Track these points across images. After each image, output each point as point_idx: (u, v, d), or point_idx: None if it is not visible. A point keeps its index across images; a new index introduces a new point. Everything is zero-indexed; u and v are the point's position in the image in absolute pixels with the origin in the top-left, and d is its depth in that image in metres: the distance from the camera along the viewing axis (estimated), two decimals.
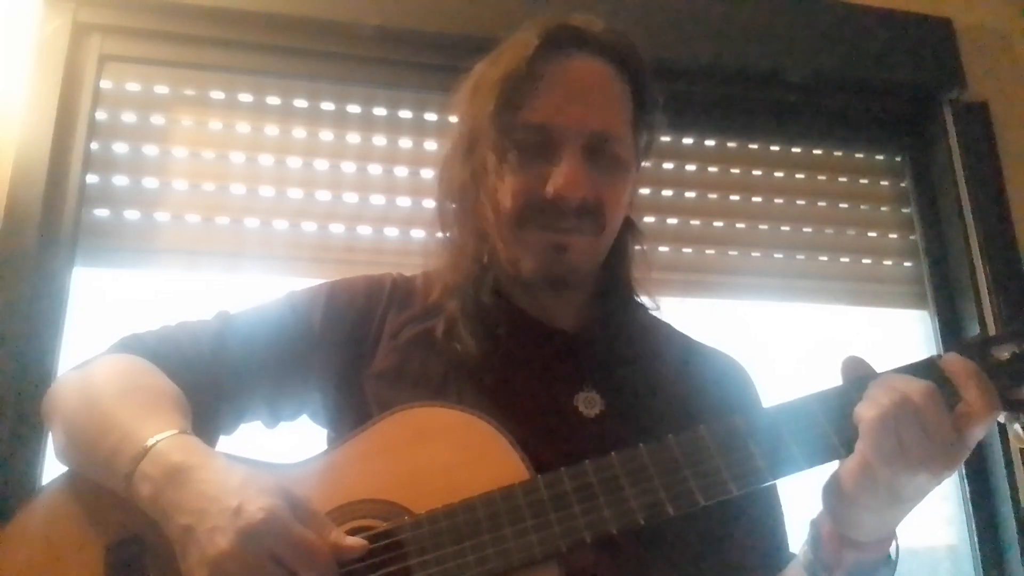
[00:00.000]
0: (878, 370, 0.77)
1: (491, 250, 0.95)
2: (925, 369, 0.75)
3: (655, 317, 1.04)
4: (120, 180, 1.57)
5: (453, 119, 1.03)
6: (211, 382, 0.93)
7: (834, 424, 0.74)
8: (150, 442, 0.77)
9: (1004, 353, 0.75)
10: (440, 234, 1.01)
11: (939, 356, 0.77)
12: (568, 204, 0.88)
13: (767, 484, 0.76)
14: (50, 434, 0.91)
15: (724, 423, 0.77)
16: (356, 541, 0.73)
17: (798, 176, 1.94)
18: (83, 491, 0.85)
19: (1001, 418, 0.75)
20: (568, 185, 0.87)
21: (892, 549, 0.77)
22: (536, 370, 0.92)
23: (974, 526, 1.72)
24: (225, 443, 0.96)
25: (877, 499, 0.72)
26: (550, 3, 1.67)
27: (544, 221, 0.89)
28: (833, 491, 0.74)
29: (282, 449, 0.93)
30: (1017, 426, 0.75)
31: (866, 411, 0.72)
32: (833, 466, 0.75)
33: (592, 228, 0.91)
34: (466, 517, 0.75)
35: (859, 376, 0.77)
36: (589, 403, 0.90)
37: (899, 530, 0.76)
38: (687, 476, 0.74)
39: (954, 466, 0.71)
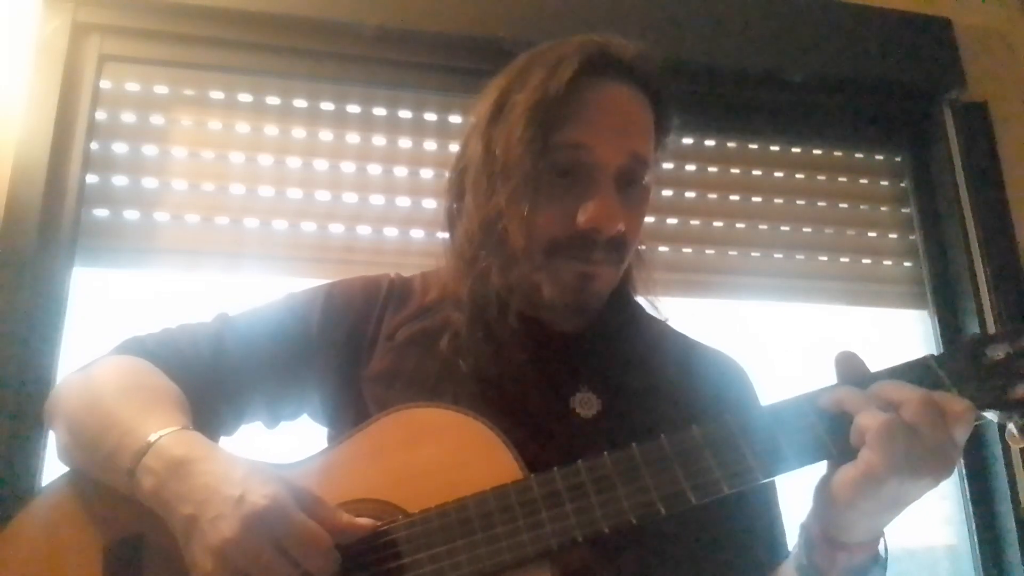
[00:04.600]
0: (871, 367, 0.77)
1: (516, 275, 0.93)
2: (920, 371, 0.75)
3: (654, 316, 1.04)
4: (119, 180, 1.57)
5: (472, 142, 0.97)
6: (210, 384, 0.93)
7: (826, 423, 0.74)
8: (152, 437, 0.78)
9: (999, 353, 0.75)
10: (457, 254, 0.97)
11: (932, 357, 0.76)
12: (601, 237, 0.88)
13: (762, 483, 0.75)
14: (53, 435, 0.92)
15: (717, 422, 0.77)
16: (367, 521, 0.75)
17: (798, 176, 1.94)
18: (83, 491, 0.85)
19: (996, 418, 0.75)
20: (603, 219, 0.87)
21: (881, 548, 0.76)
22: (532, 371, 0.92)
23: (973, 526, 1.72)
24: (225, 444, 0.96)
25: (880, 505, 0.71)
26: (550, 5, 1.69)
27: (574, 252, 0.89)
28: (827, 496, 0.73)
29: (281, 449, 0.93)
30: (1011, 426, 0.75)
31: (871, 421, 0.70)
32: (823, 467, 0.75)
33: (617, 260, 0.92)
34: (459, 516, 0.75)
35: (853, 375, 0.76)
36: (586, 404, 0.90)
37: (887, 529, 0.76)
38: (679, 476, 0.74)
39: (952, 468, 0.71)
